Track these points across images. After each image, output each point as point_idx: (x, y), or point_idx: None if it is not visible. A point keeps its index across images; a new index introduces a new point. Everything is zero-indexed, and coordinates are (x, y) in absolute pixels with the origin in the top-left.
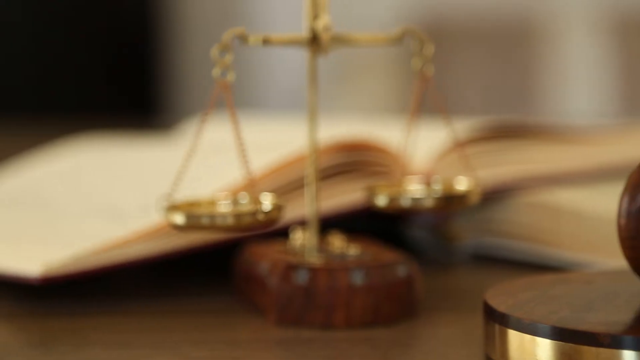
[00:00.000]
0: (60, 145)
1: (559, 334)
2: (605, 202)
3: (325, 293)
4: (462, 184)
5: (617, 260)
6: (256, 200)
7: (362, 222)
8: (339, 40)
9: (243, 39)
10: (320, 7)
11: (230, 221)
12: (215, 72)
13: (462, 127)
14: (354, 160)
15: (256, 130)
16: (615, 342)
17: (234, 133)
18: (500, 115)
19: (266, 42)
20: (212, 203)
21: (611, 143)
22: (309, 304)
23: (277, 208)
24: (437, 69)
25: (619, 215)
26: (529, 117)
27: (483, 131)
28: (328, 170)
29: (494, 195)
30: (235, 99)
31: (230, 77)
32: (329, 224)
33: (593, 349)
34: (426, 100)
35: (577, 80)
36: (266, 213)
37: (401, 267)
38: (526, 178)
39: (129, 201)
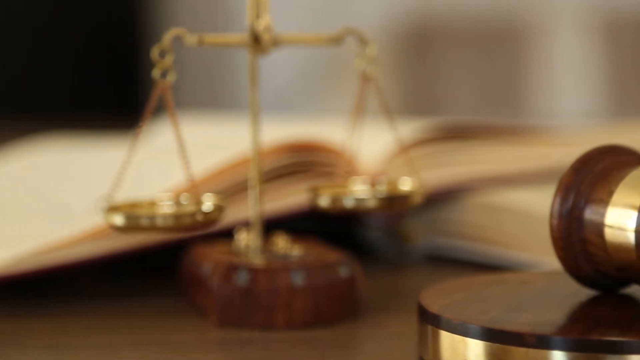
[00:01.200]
0: (19, 145)
1: (487, 335)
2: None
3: (266, 294)
4: (406, 185)
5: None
6: (197, 201)
7: (316, 223)
8: (280, 41)
9: (181, 39)
10: (261, 7)
11: (169, 222)
12: (155, 73)
13: (414, 128)
14: (305, 160)
15: (213, 131)
16: (541, 342)
17: (174, 134)
18: (489, 115)
19: (201, 42)
20: (153, 204)
21: (562, 144)
22: (249, 304)
23: (218, 209)
24: (426, 70)
25: (551, 216)
26: (512, 118)
27: (434, 132)
28: (278, 171)
29: (445, 196)
30: (220, 100)
31: (171, 77)
32: (281, 224)
33: (521, 349)
34: (380, 102)
35: (566, 79)
36: (206, 214)
37: (343, 268)
38: (477, 179)
39: (78, 201)
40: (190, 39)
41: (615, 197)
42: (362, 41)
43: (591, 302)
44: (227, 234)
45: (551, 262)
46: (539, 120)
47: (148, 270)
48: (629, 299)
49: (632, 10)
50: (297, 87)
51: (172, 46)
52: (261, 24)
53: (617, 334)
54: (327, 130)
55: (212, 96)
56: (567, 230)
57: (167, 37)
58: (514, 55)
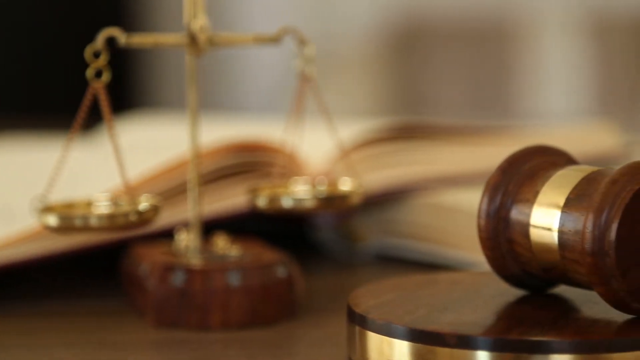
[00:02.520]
0: None
1: (410, 335)
2: None
3: (201, 294)
4: (345, 185)
5: None
6: (133, 202)
7: (267, 224)
8: (217, 41)
9: (117, 40)
10: (197, 8)
11: (103, 222)
12: (89, 73)
13: (363, 128)
14: (252, 161)
15: (173, 130)
16: (461, 342)
17: (108, 135)
18: (478, 114)
19: (137, 43)
20: (89, 204)
21: (512, 144)
22: (185, 305)
23: (153, 209)
24: (415, 69)
25: (478, 216)
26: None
27: (383, 132)
28: (223, 171)
29: (394, 196)
30: (212, 100)
31: (105, 78)
32: (233, 225)
33: (446, 349)
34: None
35: (554, 79)
36: (140, 214)
37: (281, 268)
38: (424, 179)
39: (22, 202)
40: (126, 39)
41: (541, 197)
42: (301, 41)
43: (518, 302)
44: (171, 235)
45: None
46: (527, 119)
47: (93, 270)
48: (556, 298)
49: (620, 11)
50: (287, 86)
51: (106, 46)
52: (197, 24)
53: (537, 334)
54: (279, 131)
55: (205, 96)
56: (494, 230)
57: (101, 38)
58: (502, 54)
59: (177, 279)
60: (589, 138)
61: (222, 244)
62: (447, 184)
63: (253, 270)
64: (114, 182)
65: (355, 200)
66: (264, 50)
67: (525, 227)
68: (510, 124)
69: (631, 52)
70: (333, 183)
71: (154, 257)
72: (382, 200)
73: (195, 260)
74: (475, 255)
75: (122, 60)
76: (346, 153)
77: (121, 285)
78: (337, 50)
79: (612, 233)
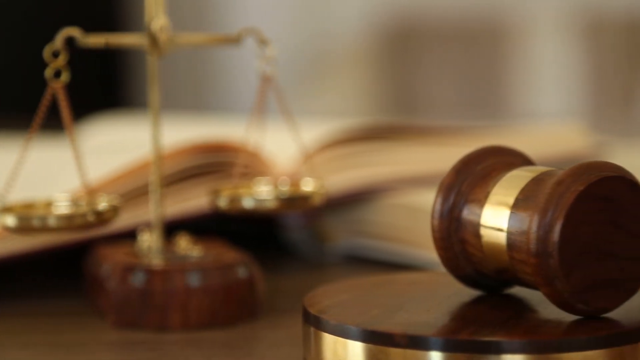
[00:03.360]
0: None
1: (362, 335)
2: None
3: (161, 295)
4: (307, 186)
5: None
6: (92, 202)
7: (238, 225)
8: (177, 42)
9: (80, 40)
10: (157, 9)
11: (62, 223)
12: (48, 73)
13: (333, 128)
14: (217, 161)
15: (143, 131)
16: (411, 342)
17: (68, 135)
18: (471, 114)
19: (98, 43)
20: (49, 205)
21: (479, 144)
22: (145, 305)
23: (112, 209)
24: (407, 69)
25: (432, 216)
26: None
27: (352, 132)
28: (189, 171)
29: (362, 196)
30: (204, 100)
31: (65, 78)
32: (203, 225)
33: (398, 350)
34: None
35: (546, 79)
36: (98, 214)
37: (241, 269)
38: (393, 179)
39: None
40: (86, 40)
41: (492, 198)
42: (262, 41)
43: (472, 302)
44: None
45: None
46: (519, 119)
47: (58, 271)
48: (511, 299)
49: (612, 11)
50: (283, 85)
51: (65, 46)
52: (157, 25)
53: (488, 334)
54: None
55: (198, 97)
56: (447, 230)
57: (60, 37)
58: (495, 54)
59: (137, 279)
60: (560, 139)
61: (184, 244)
62: (414, 185)
63: (213, 271)
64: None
65: (317, 200)
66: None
67: (476, 227)
68: (481, 124)
69: (623, 51)
70: (295, 183)
71: (116, 257)
72: (350, 201)
73: (156, 261)
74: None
75: (111, 60)
76: (308, 153)
77: (84, 285)
78: (331, 50)
79: (556, 234)
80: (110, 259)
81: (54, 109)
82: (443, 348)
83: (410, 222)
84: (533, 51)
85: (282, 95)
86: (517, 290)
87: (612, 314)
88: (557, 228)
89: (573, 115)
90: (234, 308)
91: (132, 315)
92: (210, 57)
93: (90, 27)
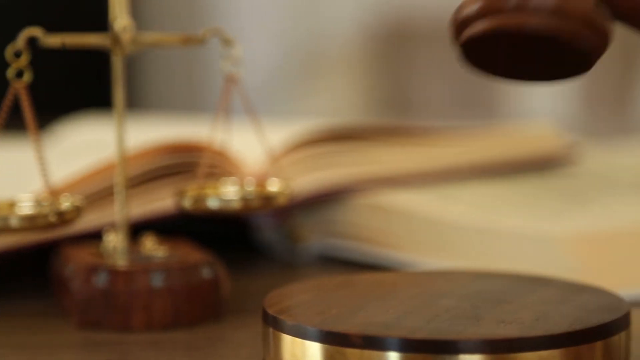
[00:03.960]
0: None
1: (318, 336)
2: (439, 204)
3: (124, 295)
4: (273, 186)
5: (444, 261)
6: (55, 202)
7: (210, 225)
8: (141, 42)
9: (40, 40)
10: (120, 8)
11: (23, 223)
12: (10, 73)
13: (305, 128)
14: (187, 161)
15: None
16: (367, 342)
17: (31, 136)
18: (464, 114)
19: (60, 43)
20: (12, 205)
21: (452, 145)
22: (108, 306)
23: (75, 210)
24: (401, 69)
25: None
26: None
27: (323, 133)
28: (157, 172)
29: (334, 197)
30: (196, 99)
31: (27, 78)
32: (173, 226)
33: (356, 350)
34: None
35: None
36: (60, 214)
37: (205, 269)
38: (365, 180)
39: None
40: (48, 40)
41: None
42: (227, 42)
43: (432, 302)
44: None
45: (433, 262)
46: (511, 119)
47: (25, 271)
48: (471, 298)
49: None
50: (276, 85)
51: (27, 46)
52: (120, 25)
53: (443, 334)
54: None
55: (190, 98)
56: None
57: (22, 37)
58: None
59: (101, 280)
60: (533, 139)
61: (149, 245)
62: (386, 185)
63: (177, 271)
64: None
65: (283, 200)
66: (252, 49)
67: None
68: (454, 124)
69: (616, 50)
70: (261, 184)
71: (80, 258)
72: (322, 201)
73: (120, 262)
74: (412, 255)
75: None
76: (274, 153)
77: (51, 286)
78: (325, 50)
79: None
80: (75, 260)
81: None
82: (399, 348)
83: (382, 222)
84: None
85: (247, 96)
86: (477, 291)
87: (567, 312)
88: None
89: (566, 115)
90: (198, 309)
91: (96, 316)
92: (195, 56)
93: (78, 26)
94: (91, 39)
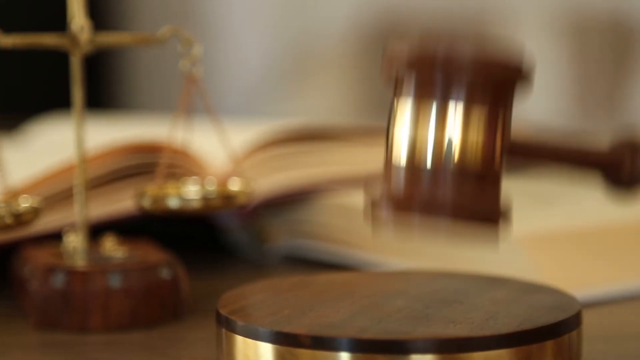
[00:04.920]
0: None
1: (268, 336)
2: None
3: (81, 296)
4: (234, 185)
5: (408, 261)
6: (12, 204)
7: (179, 226)
8: (99, 42)
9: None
10: (76, 9)
11: None
12: None
13: (270, 128)
14: (153, 162)
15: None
16: (316, 342)
17: None
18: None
19: (15, 44)
20: None
21: None
22: (66, 307)
23: (32, 211)
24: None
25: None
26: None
27: (289, 133)
28: (121, 172)
29: (300, 197)
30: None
31: None
32: (141, 226)
33: (308, 351)
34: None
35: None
36: (16, 216)
37: (164, 270)
38: (332, 180)
39: None
40: (3, 40)
41: None
42: (187, 41)
43: (384, 302)
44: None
45: (398, 262)
46: None
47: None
48: (423, 298)
49: (598, 12)
50: (268, 85)
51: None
52: (77, 25)
53: (391, 334)
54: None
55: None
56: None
57: None
58: None
59: (58, 280)
60: None
61: (109, 245)
62: (352, 185)
63: (135, 272)
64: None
65: (243, 200)
66: (244, 48)
67: None
68: None
69: (609, 51)
70: (222, 183)
71: (39, 258)
72: (289, 201)
73: (79, 262)
74: (376, 255)
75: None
76: (235, 153)
77: (11, 287)
78: (316, 50)
79: None
80: (34, 260)
81: None
82: (347, 348)
83: (348, 222)
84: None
85: (207, 96)
86: (431, 292)
87: (518, 312)
88: None
89: (558, 114)
90: (156, 309)
91: (54, 317)
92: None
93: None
94: (48, 39)
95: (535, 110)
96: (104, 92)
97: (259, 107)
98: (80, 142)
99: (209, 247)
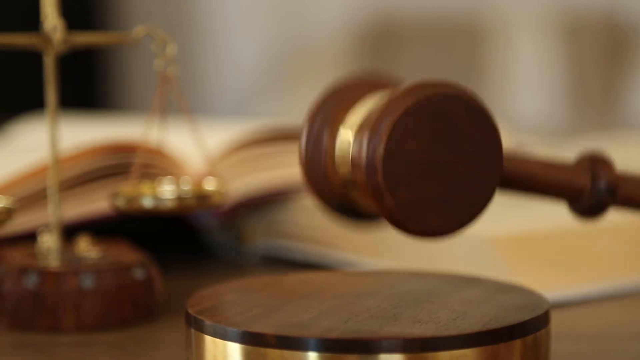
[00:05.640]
0: None
1: (236, 336)
2: None
3: (53, 297)
4: (209, 185)
5: (384, 261)
6: None
7: (156, 225)
8: (72, 41)
9: None
10: (49, 8)
11: None
12: None
13: (247, 129)
14: (128, 162)
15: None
16: (281, 342)
17: None
18: None
19: None
20: None
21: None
22: (38, 307)
23: (6, 212)
24: (386, 68)
25: (299, 146)
26: None
27: (268, 133)
28: (99, 172)
29: (278, 197)
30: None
31: None
32: (119, 226)
33: (277, 351)
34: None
35: (525, 80)
36: None
37: (138, 270)
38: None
39: None
40: None
41: (346, 122)
42: (161, 41)
43: (353, 302)
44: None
45: (374, 262)
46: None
47: None
48: (394, 297)
49: (591, 12)
50: (261, 85)
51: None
52: (50, 25)
53: (356, 333)
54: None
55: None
56: (311, 158)
57: None
58: (473, 54)
59: (31, 281)
60: None
61: (83, 245)
62: None
63: (107, 272)
64: None
65: (218, 200)
66: (238, 48)
67: (333, 154)
68: None
69: (602, 51)
70: (198, 183)
71: (13, 258)
72: (267, 202)
73: (52, 263)
74: (354, 255)
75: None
76: (212, 153)
77: None
78: (310, 50)
79: (381, 148)
80: (8, 261)
81: None
82: (313, 348)
83: (325, 223)
84: (512, 51)
85: (183, 95)
86: (401, 292)
87: (486, 311)
88: (383, 142)
89: (552, 114)
90: (129, 309)
91: (26, 317)
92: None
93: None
94: (20, 39)
95: (529, 110)
96: (104, 92)
97: (253, 106)
98: (54, 142)
99: (188, 248)
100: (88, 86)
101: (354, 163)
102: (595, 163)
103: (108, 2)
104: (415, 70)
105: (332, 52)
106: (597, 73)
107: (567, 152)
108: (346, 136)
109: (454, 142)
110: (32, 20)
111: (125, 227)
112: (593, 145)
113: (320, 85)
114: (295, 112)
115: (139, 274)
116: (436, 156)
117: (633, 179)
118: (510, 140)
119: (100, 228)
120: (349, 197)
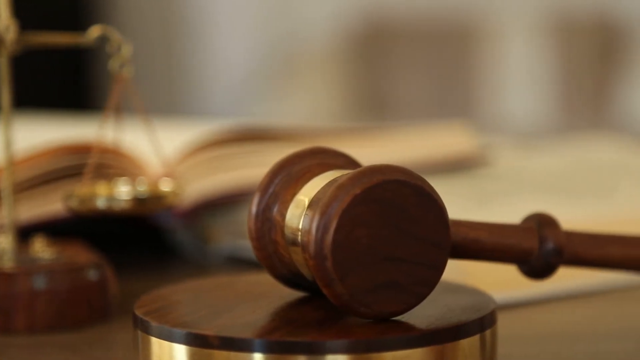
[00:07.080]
0: None
1: (180, 338)
2: None
3: (6, 298)
4: (165, 186)
5: None
6: None
7: (119, 226)
8: (27, 41)
9: None
10: (2, 8)
11: None
12: None
13: (211, 129)
14: (86, 163)
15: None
16: (224, 343)
17: None
18: (440, 115)
19: None
20: None
21: (363, 146)
22: None
23: None
24: (376, 70)
25: (248, 217)
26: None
27: (230, 133)
28: (55, 173)
29: (242, 198)
30: (180, 103)
31: None
32: (81, 227)
33: (223, 352)
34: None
35: (516, 81)
36: None
37: (92, 271)
38: None
39: None
40: None
41: (295, 199)
42: (116, 41)
43: (301, 303)
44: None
45: None
46: (488, 120)
47: None
48: None
49: (583, 12)
50: (253, 86)
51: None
52: (2, 25)
53: (299, 334)
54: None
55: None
56: (261, 230)
57: None
58: (465, 55)
59: None
60: (447, 140)
61: (38, 246)
62: None
63: (60, 273)
64: None
65: (172, 200)
66: (230, 50)
67: (282, 228)
68: (367, 125)
69: (594, 51)
70: (154, 183)
71: None
72: (231, 202)
73: (5, 264)
74: None
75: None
76: (170, 154)
77: None
78: (302, 50)
79: (330, 236)
80: None
81: None
82: (255, 349)
83: None
84: (503, 52)
85: (138, 96)
86: None
87: (432, 312)
88: (331, 231)
89: (544, 113)
90: (83, 310)
91: None
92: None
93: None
94: None
95: (521, 110)
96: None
97: (245, 107)
98: (7, 144)
99: (154, 248)
100: (74, 86)
101: (304, 245)
102: (542, 225)
103: (100, 3)
104: (407, 71)
105: (323, 54)
106: (589, 73)
107: (559, 151)
108: (294, 216)
109: (403, 226)
110: None
111: (89, 229)
112: (584, 144)
113: (312, 85)
114: (286, 113)
115: (92, 274)
116: (385, 241)
117: (579, 238)
118: (472, 142)
119: (63, 229)
120: (297, 272)
